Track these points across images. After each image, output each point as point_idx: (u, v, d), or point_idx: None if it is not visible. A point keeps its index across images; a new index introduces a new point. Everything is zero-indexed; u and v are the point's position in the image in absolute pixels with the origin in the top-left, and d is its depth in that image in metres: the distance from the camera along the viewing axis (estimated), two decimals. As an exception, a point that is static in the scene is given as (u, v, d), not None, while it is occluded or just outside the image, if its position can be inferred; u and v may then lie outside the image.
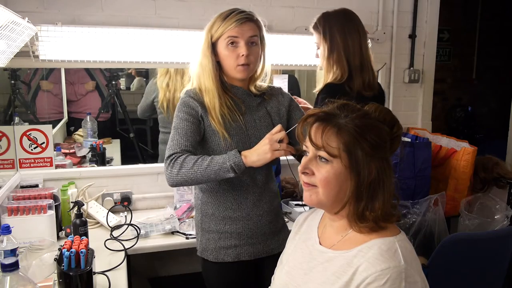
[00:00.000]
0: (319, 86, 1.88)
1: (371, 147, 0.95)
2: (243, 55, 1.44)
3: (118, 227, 1.94)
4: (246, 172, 1.45)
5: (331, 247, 1.03)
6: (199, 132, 1.48)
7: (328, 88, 1.80)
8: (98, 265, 1.50)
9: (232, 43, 1.44)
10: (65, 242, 1.37)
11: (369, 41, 2.41)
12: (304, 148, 1.03)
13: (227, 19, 1.44)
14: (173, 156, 1.41)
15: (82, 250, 1.30)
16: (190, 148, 1.43)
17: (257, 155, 1.35)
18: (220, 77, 1.50)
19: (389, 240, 0.94)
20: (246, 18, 1.44)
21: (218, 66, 1.50)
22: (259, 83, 1.59)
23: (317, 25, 1.89)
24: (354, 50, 1.82)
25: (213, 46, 1.48)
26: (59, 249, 1.37)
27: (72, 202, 1.92)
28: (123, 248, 1.74)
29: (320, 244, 1.07)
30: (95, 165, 2.52)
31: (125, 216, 2.04)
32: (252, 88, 1.57)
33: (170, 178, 1.41)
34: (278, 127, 1.36)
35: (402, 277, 0.88)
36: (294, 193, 2.35)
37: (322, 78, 1.91)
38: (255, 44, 1.48)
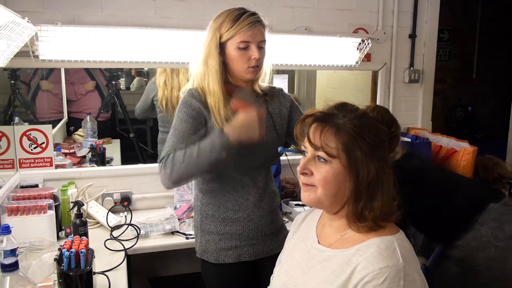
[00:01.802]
0: None
1: (369, 147, 0.95)
2: (254, 58, 1.44)
3: (118, 227, 1.94)
4: (247, 173, 1.45)
5: (330, 246, 1.03)
6: (197, 134, 1.47)
7: None
8: (98, 265, 1.50)
9: (243, 47, 1.44)
10: (65, 242, 1.37)
11: (369, 42, 2.43)
12: (302, 148, 1.03)
13: (238, 22, 1.42)
14: (164, 158, 1.41)
15: (82, 250, 1.30)
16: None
17: (239, 128, 1.34)
18: (225, 78, 1.49)
19: (387, 239, 0.95)
20: (257, 21, 1.44)
21: (223, 66, 1.49)
22: (260, 83, 1.59)
23: None
24: None
25: (221, 46, 1.47)
26: (59, 249, 1.37)
27: (72, 202, 1.92)
28: (123, 248, 1.74)
29: (319, 243, 1.07)
30: (95, 165, 2.52)
31: (125, 216, 2.04)
32: (256, 88, 1.57)
33: (165, 180, 1.40)
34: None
35: (400, 275, 0.88)
36: (294, 193, 2.35)
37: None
38: (263, 48, 1.49)
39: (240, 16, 1.43)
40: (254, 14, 1.46)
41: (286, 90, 1.76)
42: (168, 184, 1.41)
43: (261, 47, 1.47)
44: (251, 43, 1.44)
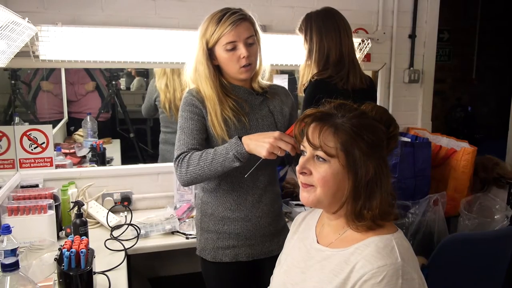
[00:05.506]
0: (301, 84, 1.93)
1: (368, 146, 0.95)
2: (244, 56, 1.43)
3: (118, 227, 1.94)
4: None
5: (329, 245, 1.03)
6: (204, 129, 1.48)
7: (315, 85, 1.81)
8: (98, 265, 1.51)
9: (231, 48, 1.43)
10: (65, 242, 1.37)
11: (369, 42, 2.43)
12: (302, 148, 1.03)
13: (221, 23, 1.41)
14: (180, 156, 1.42)
15: (82, 250, 1.30)
16: (197, 146, 1.44)
17: (254, 145, 1.31)
18: (220, 81, 1.49)
19: (386, 238, 0.95)
20: (240, 19, 1.42)
21: (216, 70, 1.49)
22: (260, 80, 1.58)
23: (301, 26, 1.93)
24: (330, 48, 1.83)
25: (210, 51, 1.46)
26: (59, 249, 1.38)
27: (72, 202, 1.92)
28: (123, 248, 1.74)
29: (318, 242, 1.07)
30: (95, 165, 2.52)
31: (125, 216, 2.04)
32: (255, 85, 1.56)
33: (181, 178, 1.42)
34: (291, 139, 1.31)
35: (399, 274, 0.88)
36: (294, 193, 2.35)
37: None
38: (253, 43, 1.47)
39: (222, 17, 1.42)
40: (237, 12, 1.44)
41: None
42: (182, 183, 1.43)
43: (250, 44, 1.45)
44: (237, 42, 1.43)
